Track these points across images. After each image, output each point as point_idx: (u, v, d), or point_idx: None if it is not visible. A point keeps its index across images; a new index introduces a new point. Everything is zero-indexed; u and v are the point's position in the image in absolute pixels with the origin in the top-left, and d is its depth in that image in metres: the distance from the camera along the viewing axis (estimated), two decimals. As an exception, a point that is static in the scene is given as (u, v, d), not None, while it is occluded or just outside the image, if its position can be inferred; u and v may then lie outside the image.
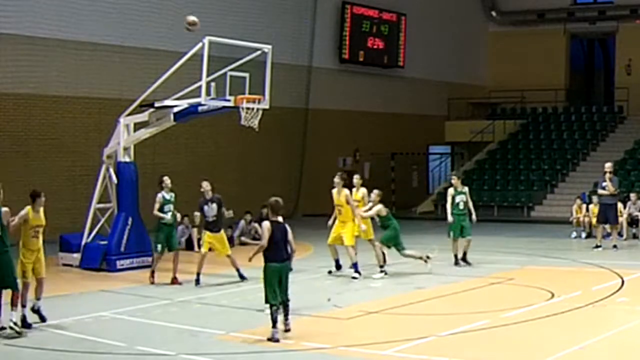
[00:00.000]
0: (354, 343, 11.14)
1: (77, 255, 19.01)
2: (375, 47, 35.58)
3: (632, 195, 24.85)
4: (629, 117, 37.29)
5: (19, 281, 12.72)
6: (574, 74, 41.63)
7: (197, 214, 17.61)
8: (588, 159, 34.89)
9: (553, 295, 14.53)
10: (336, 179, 17.21)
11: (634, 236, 24.00)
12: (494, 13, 41.62)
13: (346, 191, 17.19)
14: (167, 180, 17.00)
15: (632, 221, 24.14)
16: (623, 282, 15.94)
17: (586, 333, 11.56)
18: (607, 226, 22.02)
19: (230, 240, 23.15)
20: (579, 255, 20.90)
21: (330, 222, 17.72)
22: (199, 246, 22.41)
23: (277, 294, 11.37)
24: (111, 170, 19.27)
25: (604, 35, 40.58)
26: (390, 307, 13.75)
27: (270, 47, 18.63)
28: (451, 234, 18.64)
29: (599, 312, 13.22)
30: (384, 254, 17.26)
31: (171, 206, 16.90)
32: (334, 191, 17.30)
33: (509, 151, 36.88)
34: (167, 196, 16.88)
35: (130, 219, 18.86)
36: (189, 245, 22.03)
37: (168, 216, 16.75)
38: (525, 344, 11.18)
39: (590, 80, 43.49)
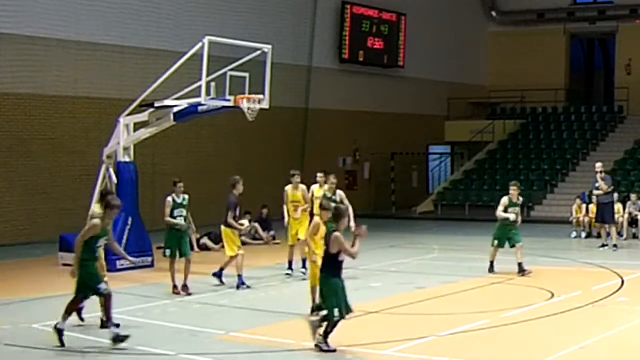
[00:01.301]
0: (354, 343, 11.14)
1: (77, 255, 18.98)
2: (375, 47, 35.57)
3: (633, 196, 24.88)
4: (629, 117, 37.29)
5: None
6: (574, 74, 41.62)
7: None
8: (588, 159, 34.86)
9: (553, 295, 14.53)
10: (295, 177, 17.46)
11: (634, 236, 24.01)
12: (494, 13, 41.62)
13: (303, 187, 17.31)
14: (180, 184, 15.95)
15: (633, 221, 24.17)
16: (623, 282, 15.96)
17: (586, 333, 11.56)
18: (607, 226, 22.02)
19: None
20: (579, 255, 20.91)
21: (286, 222, 17.55)
22: (199, 246, 22.32)
23: None
24: (111, 170, 19.27)
25: (604, 35, 40.60)
26: (390, 307, 13.76)
27: (270, 47, 18.62)
28: (495, 242, 17.42)
29: (599, 312, 13.23)
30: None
31: (183, 210, 15.93)
32: (289, 187, 17.44)
33: (509, 151, 36.88)
34: (179, 199, 15.90)
35: (130, 219, 18.85)
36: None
37: (182, 222, 15.76)
38: (525, 344, 11.18)
39: (590, 80, 43.47)
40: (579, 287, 15.31)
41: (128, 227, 18.78)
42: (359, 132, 34.98)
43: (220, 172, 27.41)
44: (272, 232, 24.31)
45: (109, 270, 18.12)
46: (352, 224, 14.72)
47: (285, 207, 17.53)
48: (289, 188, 17.51)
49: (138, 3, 26.75)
